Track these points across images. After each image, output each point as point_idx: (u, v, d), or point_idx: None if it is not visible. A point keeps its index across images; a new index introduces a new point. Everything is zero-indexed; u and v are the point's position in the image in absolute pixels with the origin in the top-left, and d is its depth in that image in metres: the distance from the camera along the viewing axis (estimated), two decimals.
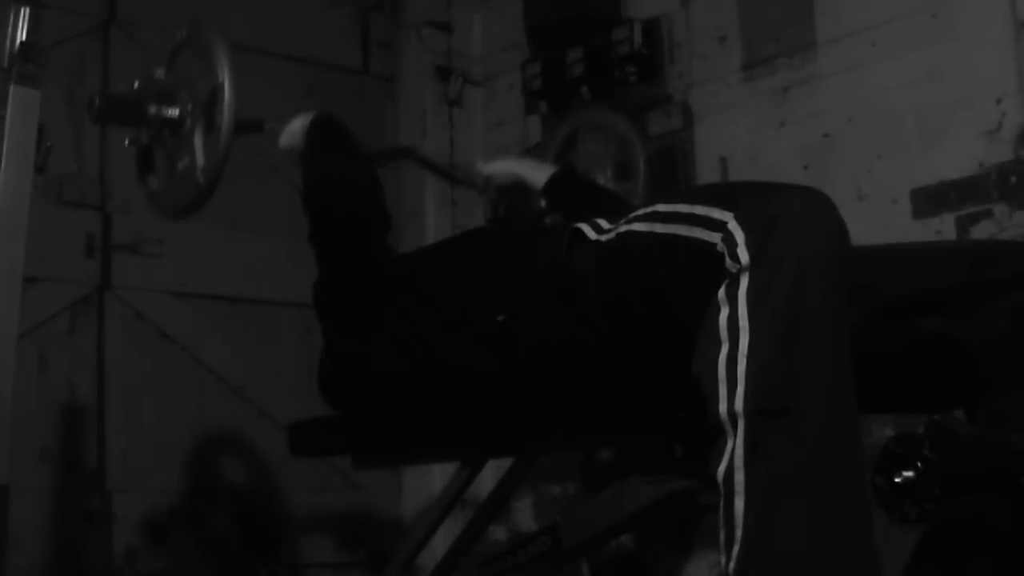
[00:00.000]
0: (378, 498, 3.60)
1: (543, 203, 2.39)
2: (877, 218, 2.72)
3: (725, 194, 1.35)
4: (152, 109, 2.04)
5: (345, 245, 1.86)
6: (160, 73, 2.08)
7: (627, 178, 3.04)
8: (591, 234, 1.55)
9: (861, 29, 2.85)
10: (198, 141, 1.97)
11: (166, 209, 2.13)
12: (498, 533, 3.38)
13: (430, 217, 3.70)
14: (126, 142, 2.18)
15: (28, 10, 2.18)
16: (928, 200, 2.69)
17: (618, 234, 1.47)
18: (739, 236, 1.25)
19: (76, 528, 3.05)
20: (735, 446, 1.21)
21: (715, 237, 1.28)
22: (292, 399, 3.18)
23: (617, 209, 2.07)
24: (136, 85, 2.13)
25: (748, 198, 1.29)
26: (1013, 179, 2.55)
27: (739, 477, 1.20)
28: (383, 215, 1.91)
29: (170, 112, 2.01)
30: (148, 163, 2.14)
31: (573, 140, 3.19)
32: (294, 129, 2.06)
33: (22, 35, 2.17)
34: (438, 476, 3.41)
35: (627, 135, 3.08)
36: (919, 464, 1.35)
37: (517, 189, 2.34)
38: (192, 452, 3.27)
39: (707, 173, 3.15)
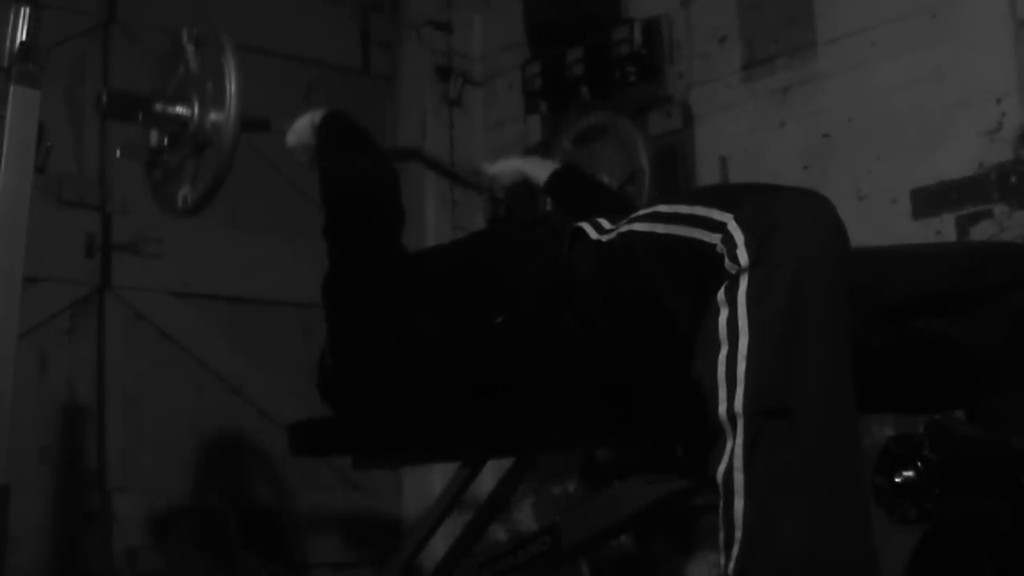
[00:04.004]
0: (378, 498, 3.60)
1: (547, 201, 2.38)
2: (877, 218, 2.72)
3: (725, 195, 1.35)
4: (158, 106, 2.03)
5: (360, 239, 1.85)
6: (189, 48, 2.06)
7: (631, 182, 3.06)
8: (592, 234, 1.55)
9: (861, 29, 2.84)
10: (204, 139, 1.96)
11: (167, 207, 2.12)
12: (498, 533, 3.38)
13: (430, 217, 3.70)
14: (117, 153, 2.17)
15: (28, 10, 2.18)
16: (928, 200, 2.69)
17: (619, 234, 1.47)
18: (739, 237, 1.25)
19: (76, 528, 3.05)
20: (734, 447, 1.21)
21: (715, 238, 1.28)
22: (292, 399, 3.18)
23: (619, 206, 2.07)
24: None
25: (748, 199, 1.29)
26: (1013, 179, 2.55)
27: (738, 478, 1.20)
28: (399, 209, 1.90)
29: (176, 110, 2.00)
30: (154, 160, 2.13)
31: (580, 141, 3.20)
32: (302, 127, 2.05)
33: (22, 35, 2.17)
34: (438, 476, 3.41)
35: (632, 139, 3.09)
36: (919, 464, 1.35)
37: (520, 188, 2.36)
38: (192, 452, 3.27)
39: (707, 173, 3.14)
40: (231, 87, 1.91)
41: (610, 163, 3.11)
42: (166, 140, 2.05)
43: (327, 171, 1.95)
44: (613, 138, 3.13)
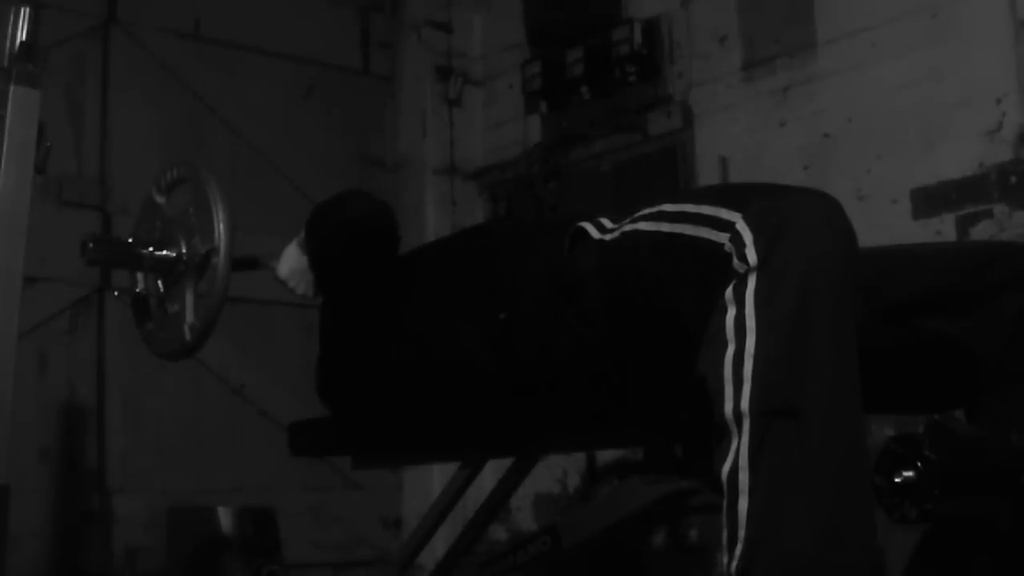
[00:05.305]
0: (378, 498, 3.60)
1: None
2: (877, 218, 2.72)
3: (733, 195, 1.35)
4: (146, 251, 1.98)
5: (358, 272, 1.85)
6: (160, 200, 2.02)
7: None
8: (594, 233, 1.54)
9: (861, 29, 2.85)
10: (194, 282, 1.93)
11: (166, 351, 2.05)
12: (498, 533, 3.38)
13: (430, 216, 3.71)
14: (115, 293, 2.11)
15: (28, 10, 2.18)
16: (928, 200, 2.69)
17: (623, 233, 1.46)
18: (747, 237, 1.25)
19: (76, 528, 3.05)
20: (740, 446, 1.20)
21: (723, 237, 1.27)
22: (292, 399, 3.18)
23: None
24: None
25: (756, 199, 1.29)
26: (1013, 179, 2.56)
27: (743, 477, 1.20)
28: (397, 238, 1.87)
29: (165, 254, 1.96)
30: (144, 306, 2.08)
31: None
32: (289, 252, 1.98)
33: (22, 35, 2.17)
34: (438, 476, 3.41)
35: None
36: (919, 464, 1.35)
37: None
38: (192, 452, 3.27)
39: (707, 173, 3.14)
40: (221, 229, 1.86)
41: None
42: (160, 283, 2.01)
43: (321, 230, 1.91)
44: None
